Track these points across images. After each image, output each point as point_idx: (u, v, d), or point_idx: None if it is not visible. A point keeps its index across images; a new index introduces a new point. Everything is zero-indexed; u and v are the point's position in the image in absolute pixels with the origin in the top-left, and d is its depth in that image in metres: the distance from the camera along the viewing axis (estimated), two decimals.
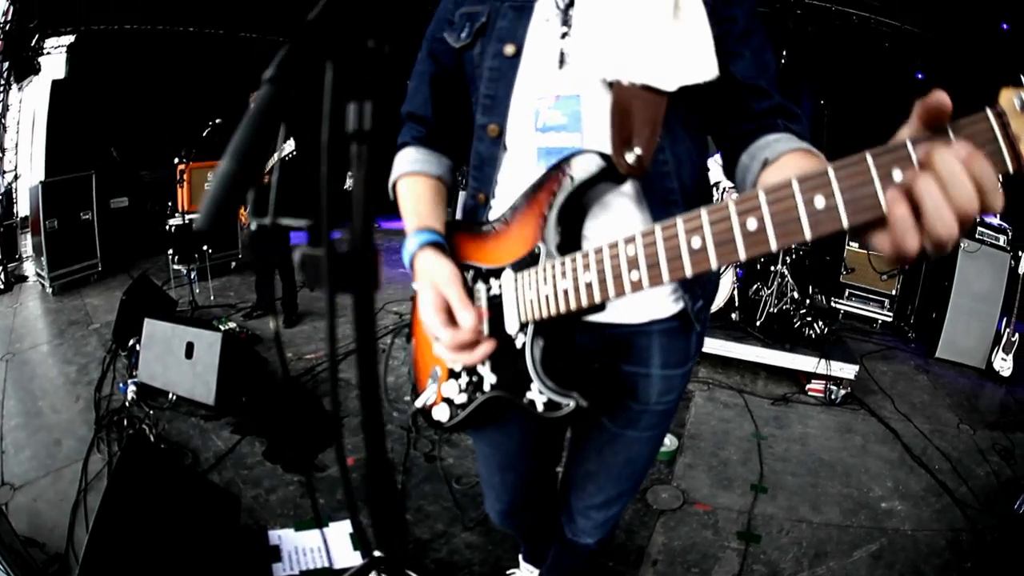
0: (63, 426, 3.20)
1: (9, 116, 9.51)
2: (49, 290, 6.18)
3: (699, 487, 2.74)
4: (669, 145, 0.96)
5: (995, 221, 5.52)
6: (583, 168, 0.86)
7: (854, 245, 5.47)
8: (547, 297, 0.83)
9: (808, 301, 4.38)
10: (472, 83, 1.07)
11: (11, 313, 5.90)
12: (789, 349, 3.86)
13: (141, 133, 8.27)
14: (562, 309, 0.81)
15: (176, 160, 5.11)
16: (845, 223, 0.56)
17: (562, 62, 0.96)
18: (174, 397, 3.21)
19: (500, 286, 0.92)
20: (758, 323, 4.14)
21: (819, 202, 0.57)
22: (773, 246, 0.60)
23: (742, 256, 0.61)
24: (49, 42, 8.44)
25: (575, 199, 0.87)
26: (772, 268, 4.30)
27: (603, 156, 0.86)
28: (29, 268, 8.22)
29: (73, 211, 6.09)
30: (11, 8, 8.13)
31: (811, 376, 3.75)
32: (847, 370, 3.67)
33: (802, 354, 3.80)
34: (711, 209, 0.63)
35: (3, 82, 8.97)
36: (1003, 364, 4.60)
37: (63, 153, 8.12)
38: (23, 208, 10.09)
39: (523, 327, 0.89)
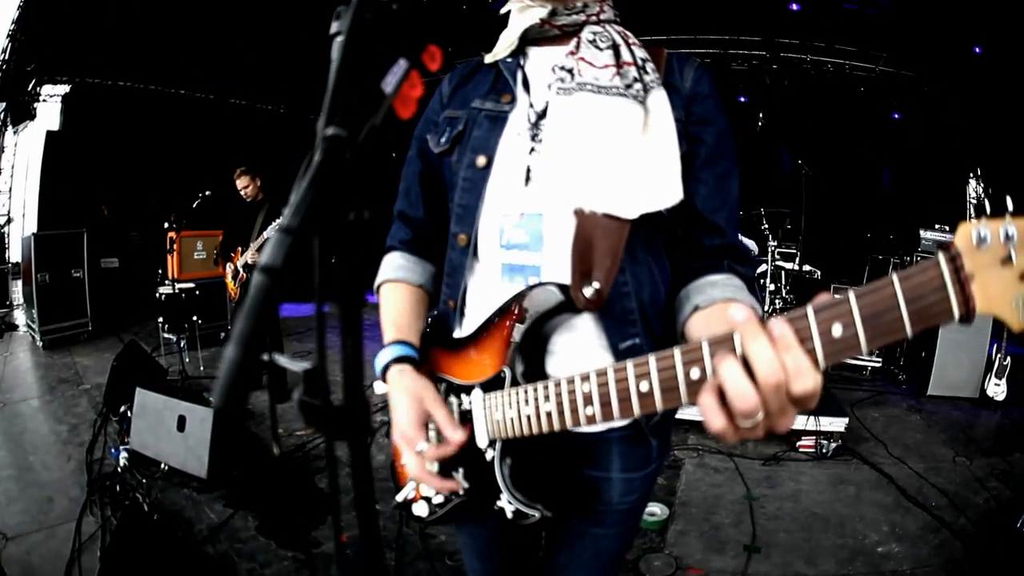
0: (55, 484, 3.22)
1: (4, 159, 9.57)
2: (40, 344, 6.16)
3: (692, 552, 2.74)
4: (630, 267, 0.96)
5: None
6: (542, 301, 0.91)
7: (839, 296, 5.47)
8: (512, 420, 0.87)
9: None
10: (450, 190, 1.07)
11: (1, 361, 5.89)
12: None
13: (131, 193, 8.38)
14: (526, 432, 0.86)
15: (166, 225, 5.16)
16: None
17: (528, 179, 0.97)
18: (166, 467, 3.20)
19: (471, 402, 0.96)
20: None
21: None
22: None
23: (684, 402, 0.66)
24: (45, 89, 8.54)
25: (536, 328, 0.92)
26: None
27: (561, 289, 0.90)
28: (19, 317, 8.18)
29: (64, 267, 6.14)
30: (10, 47, 8.25)
31: (801, 433, 3.74)
32: (836, 423, 3.68)
33: None
34: (659, 356, 0.67)
35: None
36: (996, 389, 4.62)
37: (56, 205, 8.17)
38: (15, 253, 10.08)
39: (492, 443, 0.94)
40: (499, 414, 0.90)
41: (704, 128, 0.97)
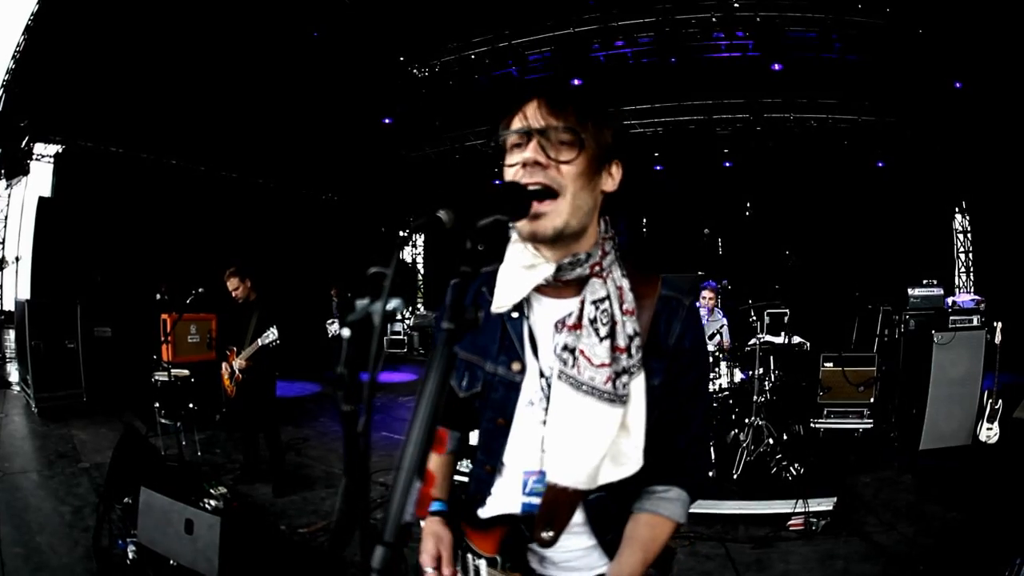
0: (65, 570, 3.25)
1: None
2: (35, 409, 6.16)
3: None
4: (610, 489, 1.12)
5: (968, 301, 5.61)
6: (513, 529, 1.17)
7: (828, 365, 5.50)
8: None
9: (784, 440, 4.45)
10: (474, 413, 1.23)
11: None
12: (767, 497, 3.90)
13: (123, 262, 8.45)
14: None
15: (158, 296, 5.15)
16: None
17: (543, 448, 1.12)
18: (175, 563, 3.21)
19: (479, 567, 1.19)
20: (735, 475, 4.18)
21: None
22: None
23: None
24: (38, 147, 8.61)
25: (516, 537, 1.16)
26: (747, 420, 4.41)
27: (526, 526, 1.13)
28: (12, 372, 8.14)
29: (58, 337, 6.21)
30: (4, 96, 8.31)
31: (791, 515, 3.76)
32: (825, 503, 3.73)
33: (780, 499, 3.82)
34: None
35: None
36: (989, 434, 4.72)
37: (48, 273, 8.20)
38: (8, 301, 10.04)
39: None
40: None
41: (682, 378, 1.14)
